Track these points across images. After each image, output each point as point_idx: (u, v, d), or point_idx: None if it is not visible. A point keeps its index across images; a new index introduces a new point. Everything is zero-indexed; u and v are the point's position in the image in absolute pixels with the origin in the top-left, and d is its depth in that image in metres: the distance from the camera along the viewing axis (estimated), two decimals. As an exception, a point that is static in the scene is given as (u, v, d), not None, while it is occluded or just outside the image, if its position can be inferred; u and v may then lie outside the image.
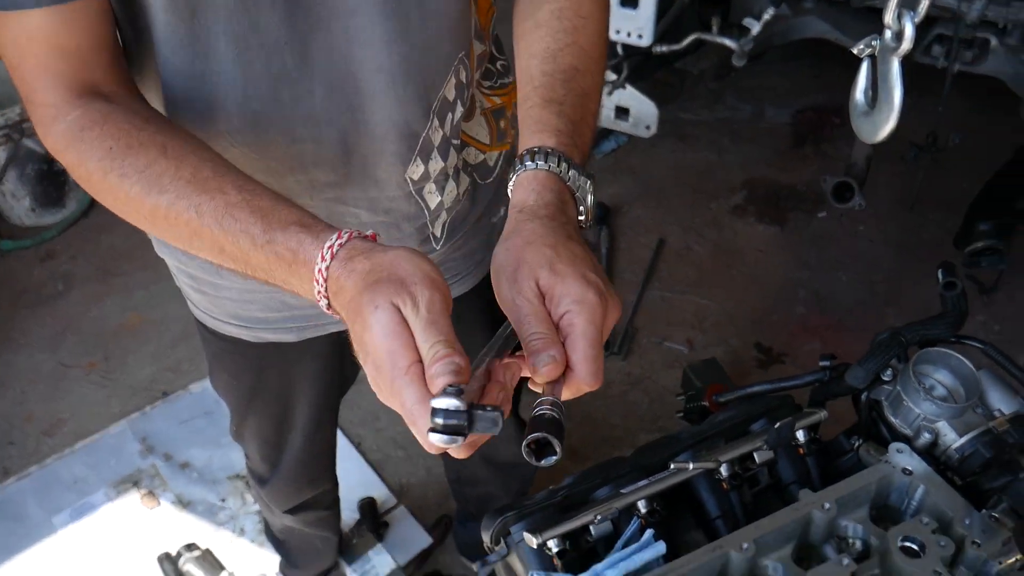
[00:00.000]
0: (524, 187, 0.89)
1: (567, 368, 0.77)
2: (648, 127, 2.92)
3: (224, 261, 0.84)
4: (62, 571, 2.33)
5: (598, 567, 1.06)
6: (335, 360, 1.47)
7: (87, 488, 2.53)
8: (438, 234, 1.24)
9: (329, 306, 0.78)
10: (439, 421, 0.68)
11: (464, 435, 0.69)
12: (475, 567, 1.19)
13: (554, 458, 0.75)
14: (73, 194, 3.41)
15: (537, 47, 1.00)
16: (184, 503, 2.48)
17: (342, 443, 2.57)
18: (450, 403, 0.68)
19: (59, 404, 2.80)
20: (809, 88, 3.84)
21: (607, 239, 3.19)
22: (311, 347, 1.36)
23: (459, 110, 1.13)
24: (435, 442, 0.69)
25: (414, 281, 0.73)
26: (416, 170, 1.12)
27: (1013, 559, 1.07)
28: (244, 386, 1.50)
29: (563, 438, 0.74)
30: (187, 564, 2.25)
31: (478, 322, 1.52)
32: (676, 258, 3.17)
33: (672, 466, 1.12)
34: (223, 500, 2.48)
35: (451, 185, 1.19)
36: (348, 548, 2.15)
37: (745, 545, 1.08)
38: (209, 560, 2.28)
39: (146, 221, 0.87)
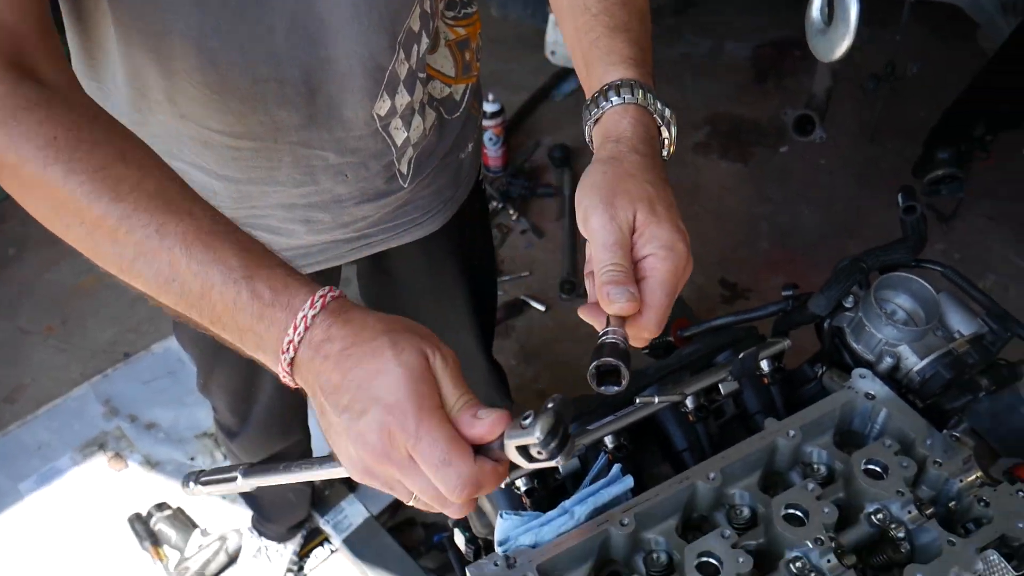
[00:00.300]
0: (616, 120, 0.87)
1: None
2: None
3: (165, 293, 0.74)
4: (31, 538, 2.30)
5: (566, 503, 1.06)
6: None
7: (52, 453, 2.50)
8: (404, 171, 1.21)
9: (292, 362, 0.70)
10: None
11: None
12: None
13: (615, 388, 0.75)
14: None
15: None
16: (152, 463, 2.46)
17: (311, 396, 2.56)
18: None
19: (19, 370, 2.74)
20: (768, 23, 3.81)
21: (570, 181, 3.16)
22: None
23: (424, 41, 1.09)
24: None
25: (433, 336, 0.71)
26: (383, 106, 1.09)
27: (973, 476, 1.09)
28: (209, 337, 1.46)
29: (629, 368, 0.74)
30: (159, 524, 2.24)
31: (448, 263, 1.50)
32: (640, 198, 3.15)
33: (637, 400, 1.11)
34: (192, 459, 2.46)
35: (417, 120, 1.16)
36: (321, 499, 2.15)
37: (712, 475, 1.09)
38: (180, 519, 2.27)
39: (82, 229, 0.74)
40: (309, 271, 1.30)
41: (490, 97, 3.11)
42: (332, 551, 2.20)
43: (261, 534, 2.12)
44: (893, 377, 1.21)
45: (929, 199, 2.78)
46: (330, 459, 0.83)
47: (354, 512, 2.06)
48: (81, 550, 2.27)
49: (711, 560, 1.02)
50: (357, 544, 2.02)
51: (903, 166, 3.03)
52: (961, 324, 1.21)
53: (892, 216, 1.30)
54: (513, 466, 0.72)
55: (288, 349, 0.70)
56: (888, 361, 1.19)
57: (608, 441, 1.15)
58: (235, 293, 0.71)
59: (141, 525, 2.25)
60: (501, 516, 1.07)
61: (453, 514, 0.71)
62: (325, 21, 0.97)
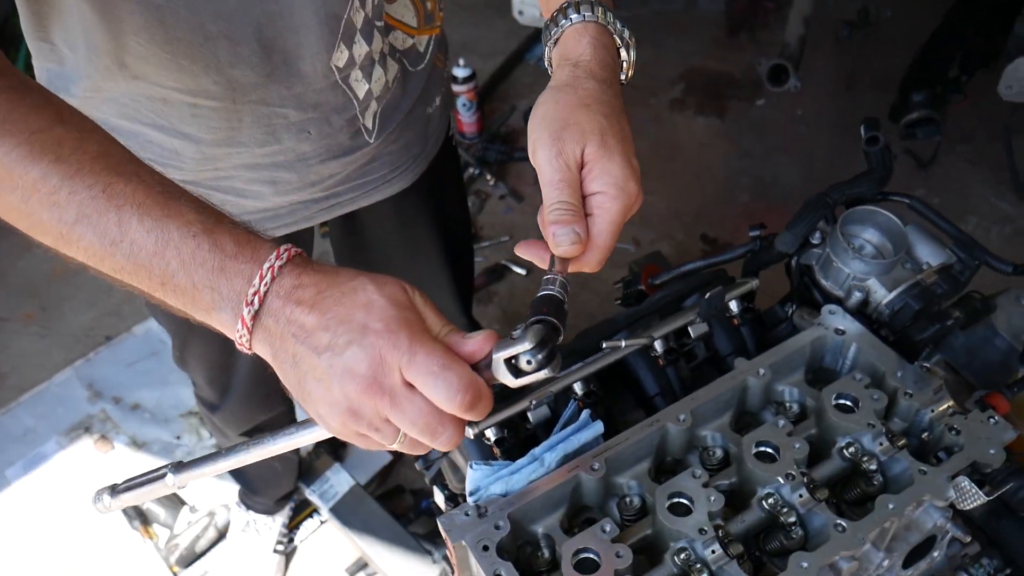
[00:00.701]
0: (575, 40, 0.85)
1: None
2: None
3: (108, 257, 0.71)
4: (20, 523, 2.30)
5: (536, 450, 1.05)
6: None
7: (37, 439, 2.49)
8: (369, 126, 1.19)
9: (255, 315, 0.69)
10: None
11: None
12: (417, 466, 1.18)
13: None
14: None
15: None
16: (139, 444, 2.45)
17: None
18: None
19: (-1, 358, 2.72)
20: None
21: (547, 144, 3.13)
22: None
23: None
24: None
25: (404, 281, 0.73)
26: (341, 56, 1.06)
27: (944, 406, 1.09)
28: None
29: (565, 323, 0.73)
30: (147, 503, 2.23)
31: (420, 222, 1.47)
32: (618, 157, 3.12)
33: (604, 345, 1.10)
34: (178, 437, 2.45)
35: (378, 72, 1.13)
36: (308, 470, 2.15)
37: (682, 416, 1.08)
38: (168, 497, 2.26)
39: (15, 196, 0.71)
40: (279, 234, 1.28)
41: (461, 62, 3.07)
42: (322, 522, 2.20)
43: (249, 508, 2.12)
44: (863, 312, 1.20)
45: (907, 143, 2.76)
46: (299, 426, 0.81)
47: (340, 481, 2.06)
48: (70, 533, 2.26)
49: (683, 500, 1.01)
50: (345, 513, 2.02)
51: (881, 112, 3.01)
52: (930, 256, 1.20)
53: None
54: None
55: (253, 300, 0.68)
56: (857, 296, 1.18)
57: (577, 388, 1.14)
58: (194, 247, 0.69)
59: (130, 506, 2.24)
60: (471, 467, 1.06)
61: (444, 443, 0.70)
62: None
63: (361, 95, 1.13)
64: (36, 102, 0.73)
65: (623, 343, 1.11)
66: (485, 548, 0.98)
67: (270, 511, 2.12)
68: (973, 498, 0.99)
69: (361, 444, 0.74)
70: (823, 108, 3.18)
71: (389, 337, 0.66)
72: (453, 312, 1.67)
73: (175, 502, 2.25)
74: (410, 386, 0.68)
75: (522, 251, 0.83)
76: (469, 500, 1.04)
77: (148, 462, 2.40)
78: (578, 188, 0.79)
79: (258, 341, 0.71)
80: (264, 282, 0.68)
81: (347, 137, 1.17)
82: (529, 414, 1.13)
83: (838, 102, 3.18)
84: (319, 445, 2.32)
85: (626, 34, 0.89)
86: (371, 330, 0.66)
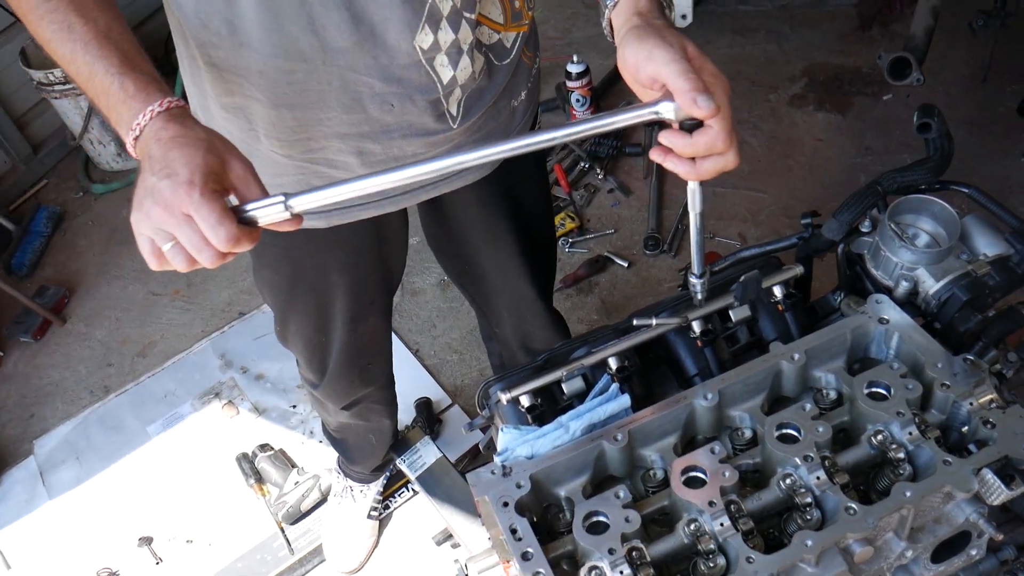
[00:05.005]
0: (632, 2, 1.03)
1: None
2: (684, 16, 2.83)
3: (68, 66, 1.02)
4: (157, 472, 2.57)
5: (562, 418, 1.11)
6: (367, 251, 1.53)
7: (176, 401, 2.77)
8: (454, 111, 1.27)
9: (137, 138, 0.96)
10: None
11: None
12: (463, 429, 1.26)
13: None
14: (151, 135, 3.62)
15: None
16: (260, 410, 2.67)
17: (401, 350, 2.70)
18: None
19: (150, 328, 3.04)
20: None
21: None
22: (339, 235, 1.42)
23: None
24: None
25: (235, 149, 0.98)
26: (425, 39, 1.15)
27: (986, 399, 1.06)
28: (283, 279, 1.57)
29: None
30: (262, 463, 2.44)
31: (500, 210, 1.54)
32: (731, 153, 3.08)
33: (635, 322, 1.15)
34: (294, 407, 2.66)
35: (465, 61, 1.22)
36: (401, 442, 2.28)
37: (708, 395, 1.11)
38: (281, 459, 2.46)
39: (32, 14, 1.03)
40: (367, 215, 1.39)
41: (575, 58, 3.12)
42: (414, 492, 2.32)
43: (347, 475, 2.27)
44: (912, 303, 1.18)
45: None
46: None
47: (428, 452, 2.17)
48: (197, 485, 2.51)
49: (697, 474, 1.04)
50: (430, 483, 2.14)
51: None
52: (988, 247, 1.17)
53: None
54: None
55: (135, 128, 0.96)
56: (905, 285, 1.16)
57: (612, 362, 1.19)
58: (109, 83, 0.98)
59: (247, 464, 2.46)
60: (501, 430, 1.14)
61: (205, 261, 0.93)
62: None
63: (446, 80, 1.21)
64: None
65: (653, 321, 1.14)
66: (505, 504, 1.05)
67: (365, 480, 2.26)
68: (998, 492, 0.96)
69: (142, 243, 0.95)
70: (955, 103, 3.01)
71: (188, 187, 0.90)
72: (532, 298, 1.72)
73: (286, 464, 2.45)
74: (191, 216, 0.91)
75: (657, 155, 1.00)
76: (497, 460, 1.11)
77: (266, 426, 2.63)
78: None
79: (136, 152, 0.98)
80: (144, 118, 0.96)
81: (431, 119, 1.25)
82: (564, 385, 1.19)
83: (971, 98, 3.00)
84: (416, 422, 2.45)
85: None
86: (179, 177, 0.91)
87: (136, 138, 0.97)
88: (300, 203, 0.95)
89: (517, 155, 1.47)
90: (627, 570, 0.96)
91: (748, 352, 1.27)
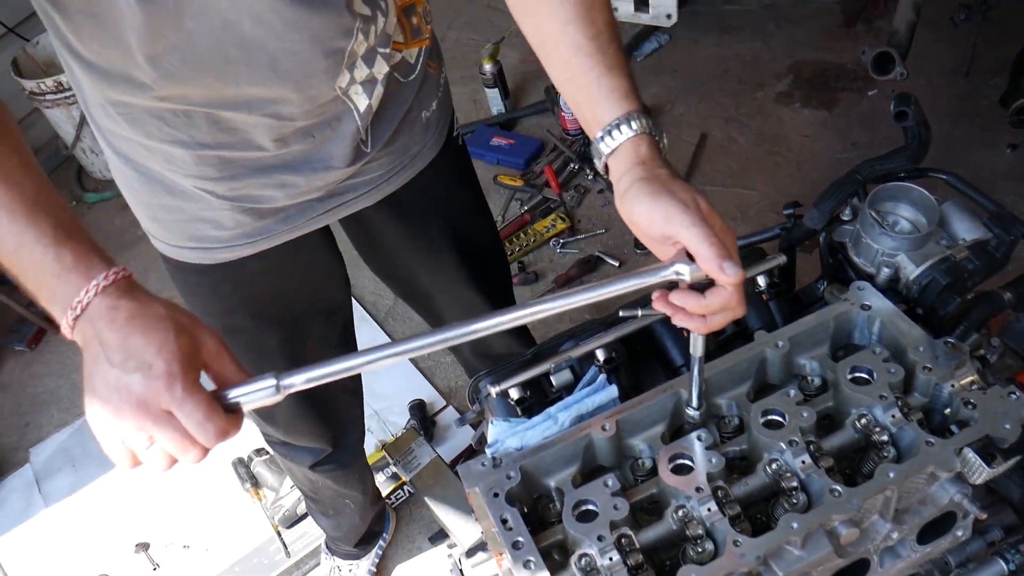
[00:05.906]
0: (635, 147, 0.99)
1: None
2: (669, 15, 2.85)
3: None
4: (152, 478, 2.58)
5: (551, 410, 1.13)
6: (298, 269, 1.45)
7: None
8: (366, 135, 1.27)
9: (78, 318, 0.84)
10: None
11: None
12: (454, 424, 1.27)
13: None
14: (141, 144, 3.64)
15: (569, 12, 1.03)
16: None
17: (394, 352, 2.70)
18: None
19: (143, 336, 3.05)
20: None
21: (647, 138, 3.15)
22: (267, 259, 1.36)
23: (380, 20, 1.15)
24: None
25: (201, 323, 0.88)
26: (343, 79, 1.17)
27: (966, 380, 1.07)
28: (213, 318, 1.44)
29: None
30: (258, 467, 2.45)
31: (427, 218, 1.50)
32: (719, 151, 3.11)
33: (620, 313, 1.16)
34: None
35: (379, 89, 1.22)
36: (396, 448, 2.29)
37: (694, 384, 1.12)
38: (275, 463, 2.47)
39: None
40: (293, 236, 1.35)
41: (563, 59, 3.14)
42: (410, 493, 2.34)
43: (333, 553, 2.24)
44: (894, 289, 1.20)
45: (1018, 131, 2.59)
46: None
47: (423, 453, 2.19)
48: (193, 490, 2.52)
49: (684, 461, 1.06)
50: (424, 482, 2.15)
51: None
52: (967, 232, 1.18)
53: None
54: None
55: (76, 307, 0.84)
56: (886, 272, 1.18)
57: (599, 354, 1.20)
58: (41, 255, 0.86)
59: (243, 468, 2.47)
60: (491, 422, 1.15)
61: (194, 460, 0.85)
62: (287, 19, 1.04)
63: (362, 108, 1.22)
64: None
65: (639, 312, 1.16)
66: (495, 495, 1.06)
67: (352, 556, 2.24)
68: (979, 471, 0.98)
69: (110, 445, 0.85)
70: (939, 96, 3.04)
71: (168, 381, 0.81)
72: (482, 304, 1.64)
73: (281, 468, 2.46)
74: (171, 413, 0.82)
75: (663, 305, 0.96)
76: (487, 452, 1.12)
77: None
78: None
79: (76, 335, 0.86)
80: (88, 295, 0.84)
81: (348, 144, 1.25)
82: (553, 377, 1.20)
83: (954, 91, 3.03)
84: (410, 423, 2.46)
85: (658, 131, 1.01)
86: (155, 370, 0.81)
87: (76, 318, 0.84)
88: (294, 382, 0.85)
89: (445, 169, 1.46)
90: (616, 556, 0.97)
91: (734, 342, 1.28)
